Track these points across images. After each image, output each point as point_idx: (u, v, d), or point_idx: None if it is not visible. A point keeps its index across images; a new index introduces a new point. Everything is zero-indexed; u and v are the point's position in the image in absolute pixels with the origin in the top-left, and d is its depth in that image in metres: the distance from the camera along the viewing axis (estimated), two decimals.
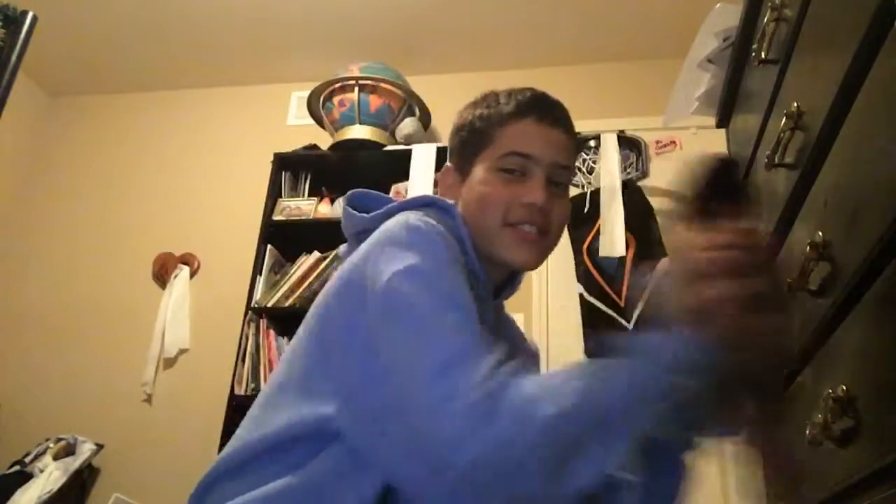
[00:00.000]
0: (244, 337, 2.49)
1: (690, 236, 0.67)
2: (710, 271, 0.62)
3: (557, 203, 0.89)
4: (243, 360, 2.46)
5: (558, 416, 0.60)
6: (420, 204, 0.86)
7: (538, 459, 0.60)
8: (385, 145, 2.75)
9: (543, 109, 0.91)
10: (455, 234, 0.82)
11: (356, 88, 2.77)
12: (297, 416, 0.73)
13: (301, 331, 0.82)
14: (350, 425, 0.71)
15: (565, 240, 2.66)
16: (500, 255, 0.88)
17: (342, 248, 0.95)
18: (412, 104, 2.89)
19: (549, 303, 2.62)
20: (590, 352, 2.45)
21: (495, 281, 0.93)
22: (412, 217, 0.78)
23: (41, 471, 2.41)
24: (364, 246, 0.79)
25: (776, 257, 0.85)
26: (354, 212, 0.90)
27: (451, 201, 0.90)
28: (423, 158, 2.66)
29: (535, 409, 0.61)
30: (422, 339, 0.67)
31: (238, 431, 0.80)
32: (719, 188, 0.72)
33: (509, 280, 0.97)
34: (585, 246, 2.55)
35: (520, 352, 0.96)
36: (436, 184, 1.01)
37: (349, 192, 0.94)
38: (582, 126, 2.87)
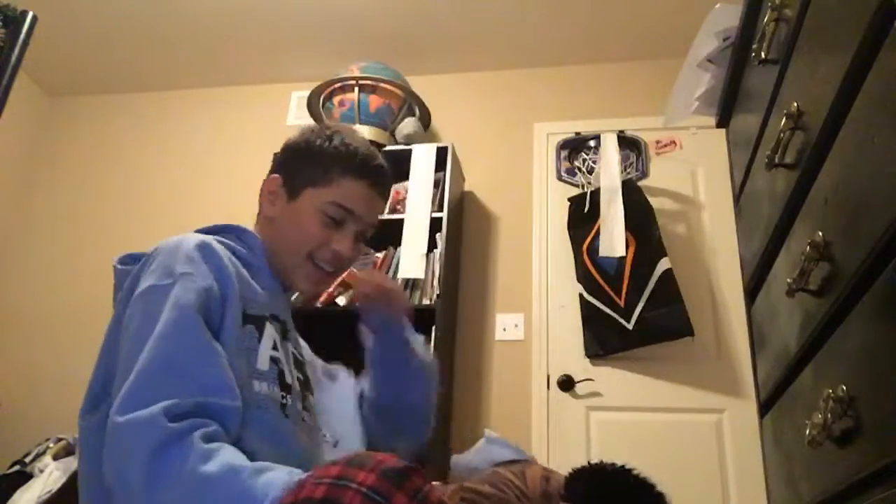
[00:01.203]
0: None
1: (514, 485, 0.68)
2: None
3: (356, 251, 1.05)
4: None
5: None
6: (214, 230, 1.00)
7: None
8: (385, 145, 2.75)
9: (379, 177, 1.05)
10: (242, 254, 0.97)
11: (356, 88, 2.77)
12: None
13: None
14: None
15: (565, 240, 2.66)
16: (291, 280, 1.02)
17: None
18: (412, 104, 2.89)
19: (549, 303, 2.62)
20: (590, 352, 2.46)
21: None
22: (180, 239, 0.90)
23: (41, 471, 2.41)
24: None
25: None
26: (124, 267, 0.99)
27: (245, 225, 1.04)
28: (423, 158, 2.66)
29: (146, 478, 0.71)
30: (127, 355, 0.80)
31: None
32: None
33: None
34: (585, 246, 2.55)
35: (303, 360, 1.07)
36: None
37: (119, 256, 1.03)
38: (582, 126, 2.91)
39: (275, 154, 1.10)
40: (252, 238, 1.03)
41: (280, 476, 0.70)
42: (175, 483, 0.70)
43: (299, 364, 1.00)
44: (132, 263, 0.97)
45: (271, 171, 1.07)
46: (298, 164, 1.04)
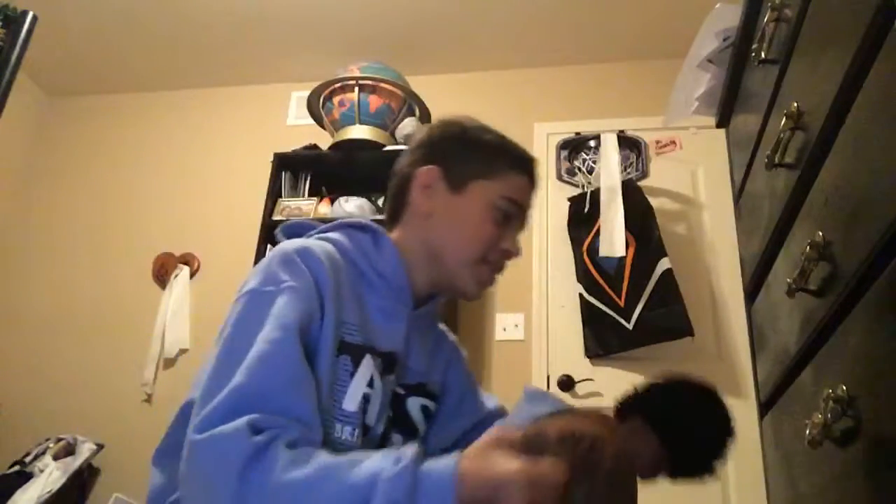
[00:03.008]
0: None
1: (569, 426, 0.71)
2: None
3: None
4: None
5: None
6: (337, 227, 0.95)
7: None
8: (385, 145, 2.75)
9: (536, 174, 1.00)
10: (359, 263, 0.90)
11: (356, 88, 2.77)
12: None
13: None
14: None
15: (565, 240, 2.66)
16: (456, 285, 0.95)
17: None
18: (412, 104, 2.89)
19: (549, 303, 2.62)
20: (590, 352, 2.46)
21: (418, 294, 0.96)
22: (293, 244, 0.85)
23: (41, 471, 2.41)
24: None
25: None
26: None
27: (377, 225, 0.95)
28: None
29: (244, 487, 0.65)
30: (218, 365, 0.74)
31: None
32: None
33: (430, 297, 1.00)
34: (585, 246, 2.55)
35: (436, 366, 1.01)
36: (408, 177, 0.98)
37: (282, 226, 0.97)
38: (582, 126, 2.90)
39: (415, 145, 1.00)
40: (387, 244, 0.94)
41: (379, 462, 0.65)
42: (270, 498, 0.64)
43: (397, 399, 0.92)
44: (295, 234, 0.93)
45: (419, 163, 0.97)
46: (462, 155, 0.96)
